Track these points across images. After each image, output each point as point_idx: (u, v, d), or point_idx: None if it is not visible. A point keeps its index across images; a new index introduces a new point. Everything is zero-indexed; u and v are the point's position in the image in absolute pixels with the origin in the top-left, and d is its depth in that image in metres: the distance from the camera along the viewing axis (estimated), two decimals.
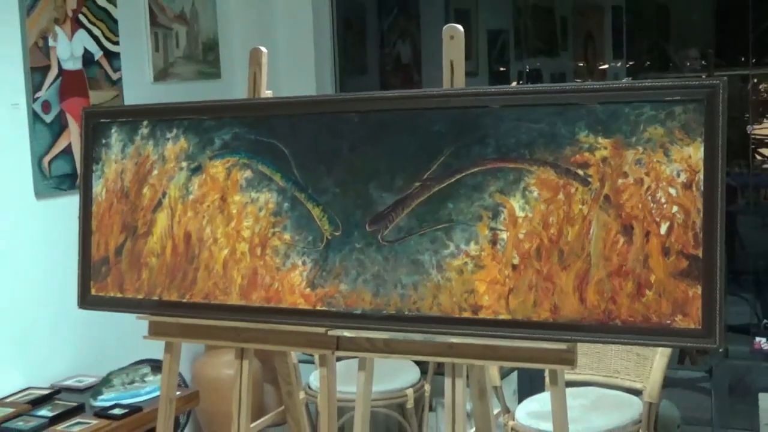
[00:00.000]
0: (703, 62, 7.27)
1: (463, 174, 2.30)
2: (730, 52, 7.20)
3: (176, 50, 4.79)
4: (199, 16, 4.91)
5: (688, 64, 7.42)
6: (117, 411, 3.76)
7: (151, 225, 2.67)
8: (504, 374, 4.12)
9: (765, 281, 5.38)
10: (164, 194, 2.66)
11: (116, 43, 4.44)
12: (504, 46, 7.75)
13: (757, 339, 4.09)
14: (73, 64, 4.24)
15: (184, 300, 2.61)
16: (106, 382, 3.95)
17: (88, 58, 4.30)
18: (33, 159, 4.06)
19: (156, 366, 4.13)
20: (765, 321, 4.16)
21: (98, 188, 2.76)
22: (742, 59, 7.16)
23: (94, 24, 4.32)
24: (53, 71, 4.14)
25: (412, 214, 2.34)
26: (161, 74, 4.70)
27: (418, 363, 4.37)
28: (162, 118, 2.70)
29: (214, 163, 2.60)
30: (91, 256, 2.76)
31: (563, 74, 7.68)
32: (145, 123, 2.70)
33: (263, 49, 2.68)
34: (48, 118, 4.12)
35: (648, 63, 7.84)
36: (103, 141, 2.76)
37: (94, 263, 2.76)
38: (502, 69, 7.59)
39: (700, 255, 2.06)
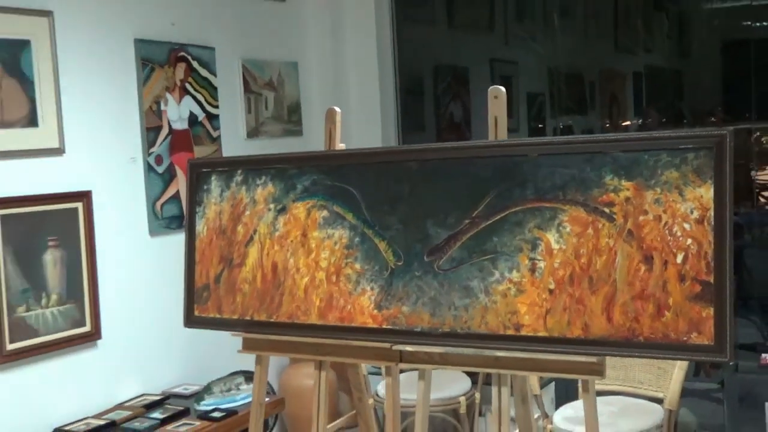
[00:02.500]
0: (712, 119, 7.17)
1: (506, 212, 2.29)
2: (735, 109, 7.11)
3: (265, 112, 4.82)
4: (285, 83, 4.95)
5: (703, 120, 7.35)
6: (216, 414, 3.79)
7: (244, 257, 2.68)
8: (543, 384, 4.06)
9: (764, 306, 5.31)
10: (255, 231, 2.67)
11: (216, 107, 4.50)
12: (541, 106, 7.71)
13: (764, 355, 4.01)
14: (181, 125, 4.30)
15: (272, 320, 2.61)
16: (207, 389, 3.97)
17: (192, 119, 4.36)
18: (148, 203, 4.13)
19: (248, 376, 4.14)
20: None
21: (200, 226, 2.78)
22: (747, 115, 7.06)
23: (198, 91, 4.38)
24: (164, 130, 4.20)
25: (463, 246, 2.34)
26: (253, 132, 4.73)
27: (469, 374, 4.33)
28: (253, 167, 2.71)
29: (296, 204, 2.61)
30: (195, 283, 2.77)
31: (591, 130, 7.60)
32: (239, 172, 2.72)
33: (337, 109, 2.69)
34: (160, 169, 4.18)
35: (664, 120, 7.75)
36: (205, 187, 2.77)
37: (197, 289, 2.77)
38: (539, 126, 7.55)
39: (712, 281, 2.05)
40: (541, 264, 2.24)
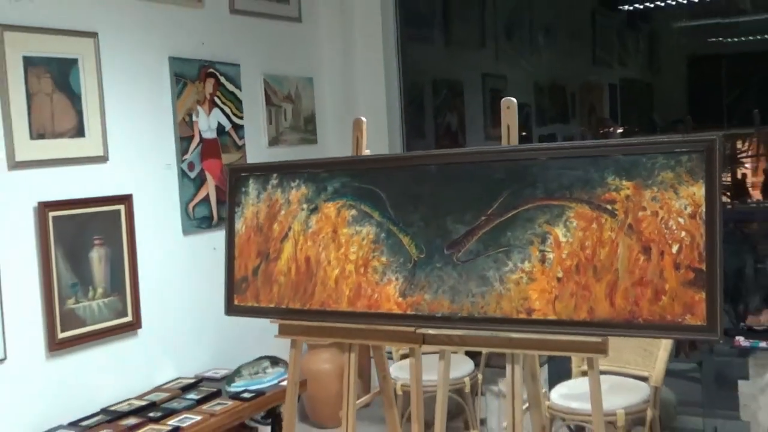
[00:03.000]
0: (682, 125, 7.23)
1: (518, 210, 2.29)
2: (702, 118, 7.18)
3: (284, 122, 4.86)
4: (302, 97, 4.99)
5: (673, 128, 7.39)
6: (246, 395, 3.83)
7: (279, 252, 2.67)
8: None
9: (738, 296, 5.33)
10: (289, 228, 2.66)
11: (241, 118, 4.53)
12: (527, 116, 7.75)
13: (737, 338, 4.03)
14: (210, 134, 4.34)
15: (306, 308, 2.60)
16: (236, 373, 4.00)
17: (220, 129, 4.40)
18: (181, 205, 4.17)
19: (273, 360, 4.18)
20: (742, 324, 4.11)
21: (239, 225, 2.77)
22: (716, 123, 7.13)
23: (225, 104, 4.42)
24: (196, 139, 4.24)
25: (479, 240, 2.34)
26: (273, 141, 4.78)
27: (472, 358, 4.36)
28: (287, 171, 2.71)
29: (327, 204, 2.60)
30: (234, 276, 2.77)
31: (572, 137, 7.67)
32: (274, 176, 2.72)
33: (363, 119, 2.71)
34: (192, 175, 4.21)
35: (637, 129, 7.81)
36: (243, 189, 2.77)
37: (237, 281, 2.76)
38: (524, 134, 7.59)
39: (704, 268, 2.06)
40: (550, 255, 2.24)
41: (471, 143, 6.91)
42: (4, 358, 3.29)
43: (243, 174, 2.79)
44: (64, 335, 3.52)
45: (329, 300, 2.57)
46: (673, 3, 7.62)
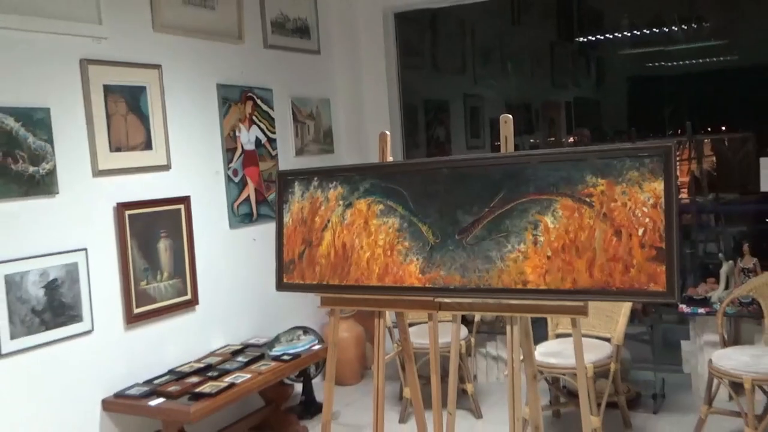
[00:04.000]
0: (627, 135, 7.36)
1: (515, 203, 2.33)
2: (642, 128, 7.31)
3: (308, 136, 4.92)
4: (321, 115, 5.06)
5: (618, 137, 7.53)
6: (285, 357, 3.91)
7: (321, 240, 2.69)
8: None
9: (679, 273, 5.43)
10: (329, 221, 2.68)
11: (274, 133, 4.60)
12: (499, 127, 7.86)
13: (681, 305, 4.16)
14: (250, 146, 4.41)
15: (343, 283, 2.62)
16: (276, 340, 4.10)
17: (257, 142, 4.47)
18: (228, 205, 4.24)
19: (305, 330, 4.28)
20: (684, 294, 4.22)
21: (287, 218, 2.79)
22: (650, 133, 7.29)
23: (261, 122, 4.49)
24: (238, 151, 4.31)
25: (484, 227, 2.37)
26: (299, 151, 4.84)
27: (466, 326, 4.40)
28: (325, 175, 2.72)
29: (359, 201, 2.62)
30: (284, 259, 2.79)
31: (537, 145, 7.78)
32: (315, 179, 2.73)
33: (388, 133, 2.74)
34: (236, 180, 4.29)
35: (587, 137, 7.93)
36: (290, 189, 2.79)
37: (285, 263, 2.78)
38: (496, 143, 7.68)
39: (664, 247, 2.10)
40: (541, 238, 2.27)
41: (455, 151, 7.02)
42: (92, 330, 3.38)
43: (289, 177, 2.82)
44: (138, 311, 3.60)
45: (362, 277, 2.58)
46: (618, 35, 7.74)
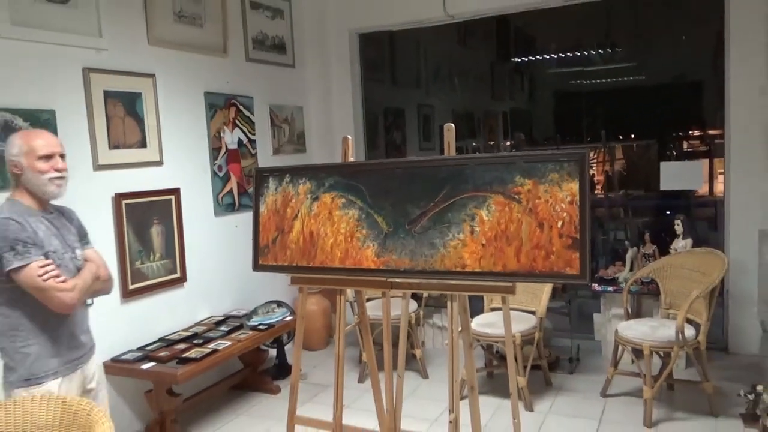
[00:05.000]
0: (553, 140, 7.46)
1: (456, 198, 2.31)
2: (566, 135, 7.41)
3: (283, 138, 4.86)
4: (295, 120, 4.99)
5: (546, 142, 7.61)
6: (261, 327, 3.87)
7: (291, 227, 2.66)
8: None
9: (592, 257, 5.49)
10: (298, 212, 2.64)
11: (254, 135, 4.53)
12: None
13: (593, 285, 4.21)
14: (233, 146, 4.33)
15: (310, 265, 2.59)
16: (254, 312, 4.05)
17: (240, 142, 4.39)
18: (213, 196, 4.17)
19: (278, 303, 4.23)
20: (596, 275, 4.28)
21: (263, 208, 2.75)
22: (572, 140, 7.39)
23: (242, 125, 4.41)
24: (223, 150, 4.24)
25: (429, 219, 2.35)
26: (276, 151, 4.76)
27: (416, 300, 4.41)
28: (296, 172, 2.68)
29: (324, 195, 2.59)
30: (260, 243, 2.75)
31: (478, 149, 7.82)
32: (287, 175, 2.69)
33: (350, 137, 2.71)
34: (221, 174, 4.22)
35: (522, 142, 8.00)
36: (265, 184, 2.76)
37: (261, 247, 2.74)
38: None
39: (578, 237, 2.11)
40: (477, 229, 2.27)
41: (410, 152, 7.02)
42: (92, 303, 3.27)
43: (265, 174, 2.77)
44: (133, 287, 3.54)
45: (326, 260, 2.56)
46: (547, 57, 7.82)
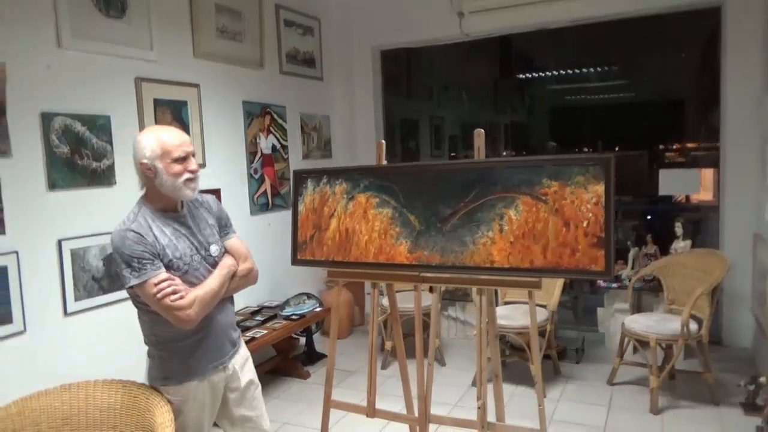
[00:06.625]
0: (552, 149, 7.39)
1: (485, 199, 2.26)
2: (563, 145, 7.35)
3: (312, 144, 4.80)
4: (322, 128, 4.92)
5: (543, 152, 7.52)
6: (293, 317, 3.82)
7: (328, 225, 2.61)
8: None
9: None
10: (335, 210, 2.59)
11: (286, 141, 4.46)
12: (456, 143, 7.85)
13: (599, 281, 4.13)
14: (267, 151, 4.27)
15: (345, 260, 2.54)
16: (286, 303, 4.00)
17: (273, 148, 4.33)
18: (249, 196, 4.10)
19: (309, 295, 4.16)
20: None
21: (301, 207, 2.70)
22: (569, 149, 7.33)
23: (276, 132, 4.35)
24: (258, 154, 4.17)
25: (460, 218, 2.30)
26: (305, 155, 4.70)
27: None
28: (332, 174, 2.63)
29: (359, 195, 2.54)
30: (298, 240, 2.70)
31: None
32: (324, 177, 2.65)
33: (383, 142, 2.65)
34: (256, 177, 4.15)
35: (524, 151, 7.95)
36: (304, 185, 2.70)
37: (299, 243, 2.70)
38: (452, 154, 7.68)
39: (603, 236, 2.06)
40: (506, 227, 2.22)
41: (423, 158, 6.98)
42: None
43: (304, 175, 2.72)
44: None
45: (361, 255, 2.50)
46: (545, 74, 7.75)
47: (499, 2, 4.45)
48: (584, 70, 7.46)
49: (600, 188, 2.10)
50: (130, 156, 3.10)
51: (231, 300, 2.10)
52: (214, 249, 2.02)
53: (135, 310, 3.16)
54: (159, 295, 1.80)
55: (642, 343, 3.44)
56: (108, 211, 3.04)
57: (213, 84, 3.74)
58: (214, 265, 1.98)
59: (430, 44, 5.02)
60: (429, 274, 2.37)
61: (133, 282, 1.81)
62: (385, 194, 2.50)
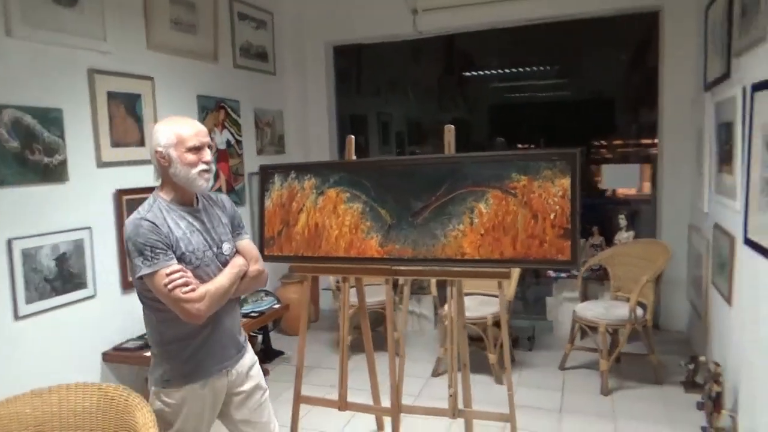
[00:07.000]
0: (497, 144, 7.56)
1: (456, 193, 2.30)
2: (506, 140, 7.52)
3: (266, 139, 4.73)
4: (276, 123, 4.86)
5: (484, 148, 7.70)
6: (252, 314, 3.75)
7: (296, 221, 2.59)
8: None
9: None
10: (304, 206, 2.58)
11: (240, 136, 4.39)
12: (402, 139, 7.92)
13: (548, 272, 4.27)
14: (222, 146, 4.19)
15: (315, 255, 2.53)
16: (245, 300, 3.91)
17: (228, 143, 4.25)
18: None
19: (266, 293, 4.11)
20: None
21: (268, 203, 2.66)
22: (510, 145, 7.53)
23: (230, 127, 4.27)
24: (213, 149, 4.09)
25: (431, 212, 2.34)
26: (259, 151, 4.63)
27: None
28: (300, 169, 2.62)
29: (329, 190, 2.54)
30: (265, 236, 2.67)
31: (424, 152, 7.86)
32: (292, 172, 2.62)
33: (352, 137, 2.65)
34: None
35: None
36: (271, 180, 2.67)
37: (266, 239, 2.66)
38: (399, 151, 7.74)
39: (570, 227, 2.14)
40: (476, 220, 2.27)
41: (371, 154, 6.99)
42: (95, 295, 3.11)
43: (270, 170, 2.69)
44: None
45: (331, 250, 2.50)
46: (486, 73, 7.93)
47: (453, 1, 4.53)
48: (526, 68, 7.68)
49: (566, 182, 2.17)
50: (82, 151, 3.00)
51: (238, 302, 2.04)
52: (226, 247, 1.95)
53: (90, 312, 3.06)
54: (170, 286, 1.72)
55: (591, 329, 3.60)
56: (61, 209, 2.90)
57: (167, 77, 3.62)
58: (225, 263, 1.92)
59: (384, 41, 5.05)
60: (401, 267, 2.40)
61: (145, 271, 1.74)
62: (356, 189, 2.50)
